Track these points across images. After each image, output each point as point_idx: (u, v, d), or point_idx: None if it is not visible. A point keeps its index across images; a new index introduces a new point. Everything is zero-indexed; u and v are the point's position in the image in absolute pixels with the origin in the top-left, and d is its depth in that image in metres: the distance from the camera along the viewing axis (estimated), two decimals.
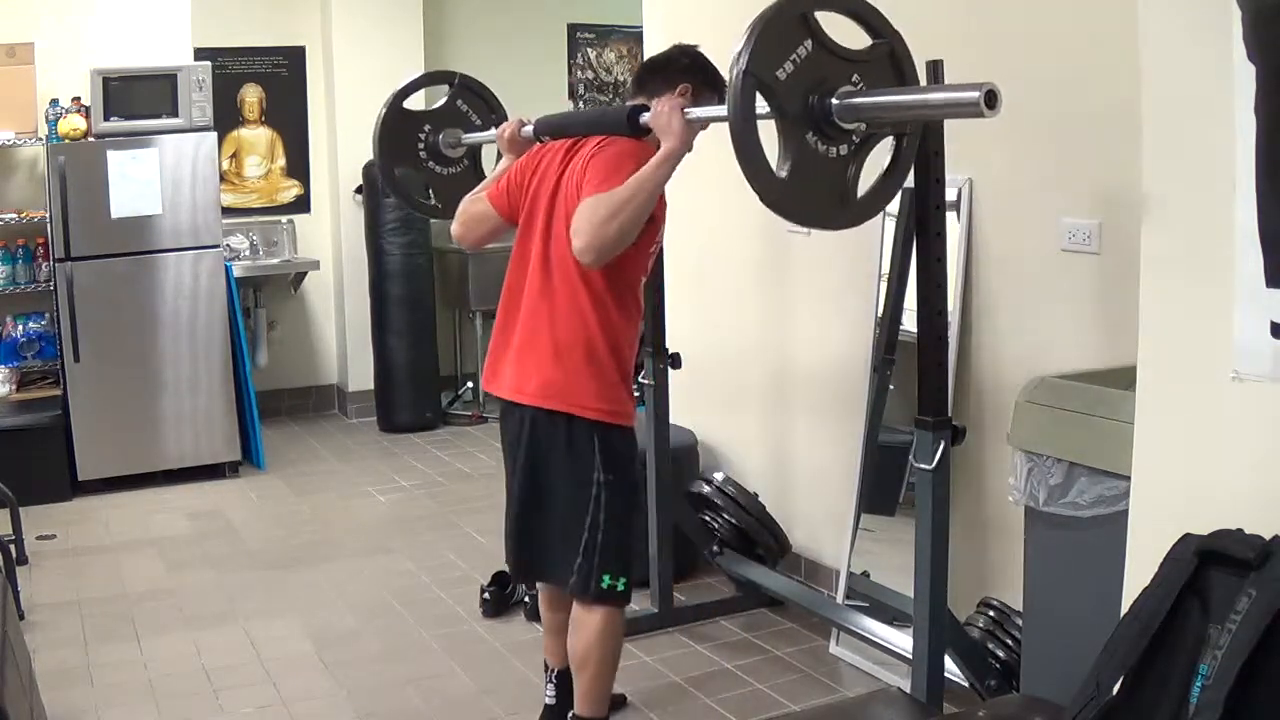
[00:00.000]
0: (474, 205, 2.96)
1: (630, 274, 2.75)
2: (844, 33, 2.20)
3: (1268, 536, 1.78)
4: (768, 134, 2.10)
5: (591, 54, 7.58)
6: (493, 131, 3.20)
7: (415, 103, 3.65)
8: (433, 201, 3.61)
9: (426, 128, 3.53)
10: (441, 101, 3.59)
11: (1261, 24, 1.83)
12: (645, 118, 2.60)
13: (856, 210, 2.23)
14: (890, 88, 2.18)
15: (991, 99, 1.90)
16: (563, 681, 3.09)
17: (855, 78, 2.11)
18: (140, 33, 5.75)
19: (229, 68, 6.48)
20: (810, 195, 2.13)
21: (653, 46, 4.85)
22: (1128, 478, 2.17)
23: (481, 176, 3.39)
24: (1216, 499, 1.95)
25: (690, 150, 2.58)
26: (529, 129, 2.98)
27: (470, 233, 2.98)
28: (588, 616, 2.83)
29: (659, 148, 2.57)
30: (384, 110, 3.48)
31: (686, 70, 2.82)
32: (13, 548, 4.28)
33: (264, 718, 3.30)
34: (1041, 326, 3.15)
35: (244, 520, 5.08)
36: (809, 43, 2.06)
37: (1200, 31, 1.94)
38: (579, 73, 7.55)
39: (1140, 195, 2.09)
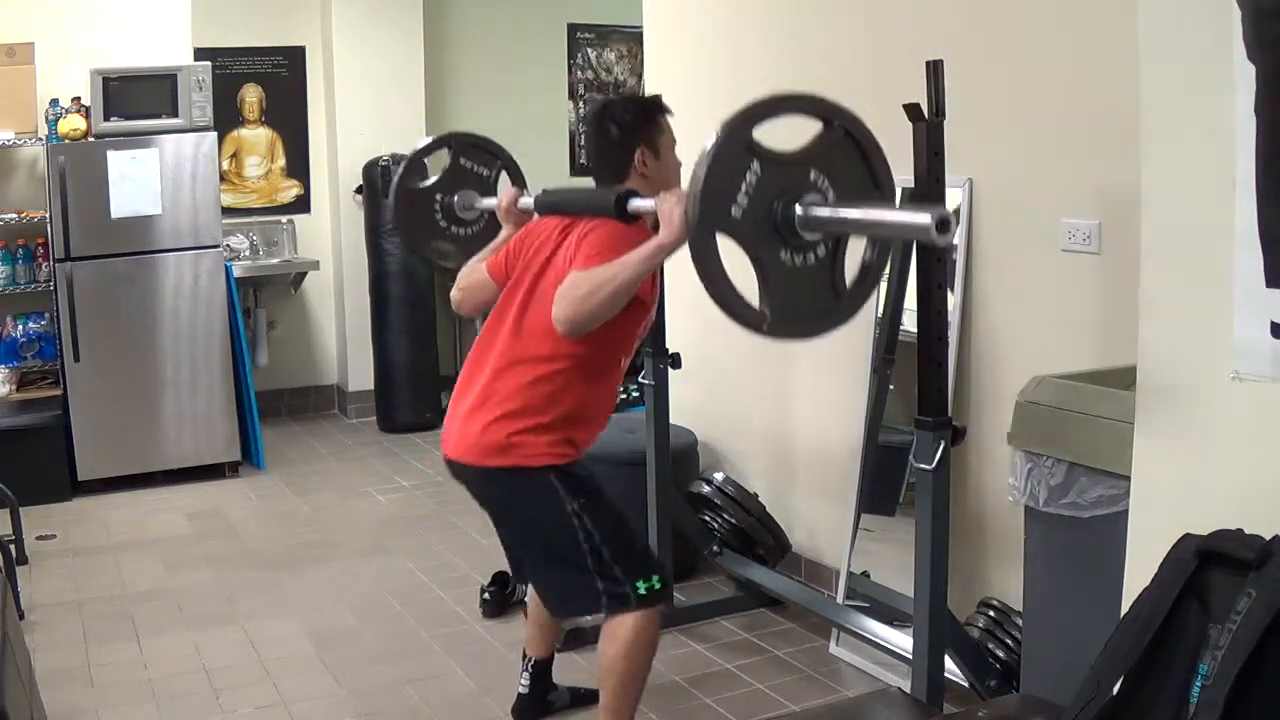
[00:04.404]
0: (473, 274, 3.02)
1: (611, 350, 2.76)
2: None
3: (1268, 536, 1.78)
4: None
5: (591, 54, 7.58)
6: (494, 200, 3.21)
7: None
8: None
9: (439, 197, 3.51)
10: (444, 169, 3.54)
11: (1261, 24, 1.83)
12: (635, 204, 2.52)
13: (850, 300, 2.13)
14: (857, 174, 2.06)
15: (943, 225, 1.84)
16: (538, 671, 3.21)
17: (814, 175, 2.01)
18: (140, 33, 5.76)
19: (229, 68, 6.48)
20: (803, 310, 2.04)
21: (653, 46, 4.85)
22: (1128, 478, 2.17)
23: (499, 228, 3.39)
24: (1216, 499, 1.95)
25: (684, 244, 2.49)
26: (526, 200, 2.99)
27: (468, 299, 3.03)
28: (620, 624, 2.74)
29: (654, 227, 2.48)
30: (393, 198, 3.43)
31: (626, 139, 2.79)
32: (13, 548, 4.28)
33: (264, 718, 3.30)
34: (1041, 326, 3.15)
35: (244, 520, 5.08)
36: (756, 165, 1.96)
37: (1200, 32, 1.94)
38: (579, 73, 7.55)
39: (1140, 195, 2.09)
